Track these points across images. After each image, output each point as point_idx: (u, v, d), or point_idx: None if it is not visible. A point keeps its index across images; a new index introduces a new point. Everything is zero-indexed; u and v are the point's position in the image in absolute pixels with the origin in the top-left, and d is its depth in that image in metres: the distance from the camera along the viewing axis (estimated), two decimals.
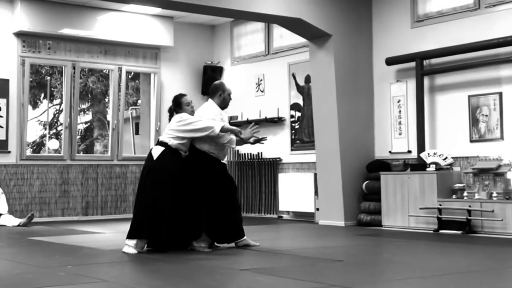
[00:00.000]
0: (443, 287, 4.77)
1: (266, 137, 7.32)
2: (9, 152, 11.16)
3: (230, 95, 7.29)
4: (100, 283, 4.87)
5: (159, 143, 6.95)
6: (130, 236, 6.72)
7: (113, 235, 8.75)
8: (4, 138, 11.09)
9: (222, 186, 7.00)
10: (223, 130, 6.86)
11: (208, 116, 6.98)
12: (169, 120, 7.18)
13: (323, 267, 5.73)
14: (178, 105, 7.06)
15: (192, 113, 7.04)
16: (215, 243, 7.04)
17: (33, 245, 7.69)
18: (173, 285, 4.80)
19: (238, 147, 12.00)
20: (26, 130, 11.53)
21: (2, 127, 11.08)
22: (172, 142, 6.85)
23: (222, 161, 7.13)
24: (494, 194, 8.54)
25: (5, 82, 11.14)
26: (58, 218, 11.53)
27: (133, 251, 6.62)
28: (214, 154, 6.98)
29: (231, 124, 9.12)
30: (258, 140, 7.16)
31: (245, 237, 7.15)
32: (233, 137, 7.00)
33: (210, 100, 7.23)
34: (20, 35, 11.30)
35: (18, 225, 10.24)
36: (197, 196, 6.87)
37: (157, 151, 6.88)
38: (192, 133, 6.85)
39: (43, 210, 11.47)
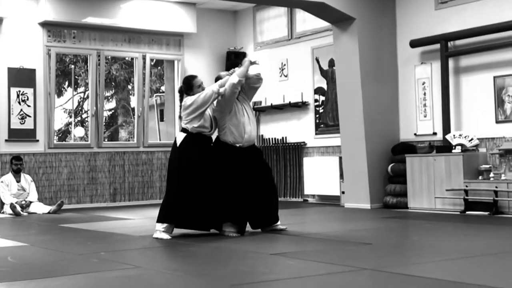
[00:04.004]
0: (475, 269, 4.80)
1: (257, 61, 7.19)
2: (37, 140, 11.31)
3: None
4: (134, 269, 4.95)
5: (182, 129, 7.00)
6: (158, 220, 6.86)
7: (142, 221, 8.86)
8: (32, 127, 11.24)
9: (240, 174, 6.95)
10: (223, 84, 6.87)
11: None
12: (180, 100, 7.13)
13: (353, 251, 5.78)
14: (189, 87, 6.98)
15: None
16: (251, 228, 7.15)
17: (65, 232, 7.83)
18: (208, 271, 4.87)
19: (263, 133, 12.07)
20: (53, 118, 11.68)
21: (30, 116, 11.23)
22: (189, 127, 6.89)
23: (250, 147, 7.11)
24: None
25: (32, 71, 11.28)
26: (86, 205, 11.69)
27: (165, 236, 6.73)
28: (234, 143, 6.98)
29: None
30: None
31: (277, 223, 7.22)
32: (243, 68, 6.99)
33: None
34: (45, 25, 11.42)
35: (48, 212, 10.40)
36: (218, 183, 6.94)
37: (180, 137, 6.94)
38: (200, 108, 6.81)
39: (72, 197, 11.63)
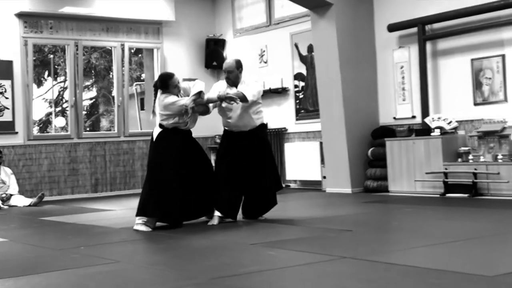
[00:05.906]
0: (455, 255, 4.82)
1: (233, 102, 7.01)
2: (17, 133, 11.23)
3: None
4: (114, 264, 4.94)
5: (159, 125, 6.96)
6: (137, 213, 6.85)
7: (123, 212, 8.84)
8: (10, 119, 11.16)
9: (223, 156, 7.11)
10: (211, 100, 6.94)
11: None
12: (154, 96, 7.05)
13: (333, 238, 5.80)
14: (165, 86, 6.90)
15: (178, 93, 6.94)
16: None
17: (45, 225, 7.79)
18: (188, 264, 4.87)
19: None
20: (32, 110, 11.60)
21: (8, 108, 11.14)
22: (164, 123, 6.88)
23: (246, 133, 7.10)
24: (499, 156, 8.60)
25: (9, 63, 11.18)
26: (68, 196, 11.64)
27: (145, 228, 6.70)
28: (225, 126, 7.19)
29: None
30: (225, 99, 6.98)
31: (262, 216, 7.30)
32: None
33: None
34: (21, 16, 11.31)
35: (29, 205, 10.35)
36: (203, 171, 7.01)
37: (156, 132, 6.93)
38: (176, 114, 6.81)
39: (53, 189, 11.58)
